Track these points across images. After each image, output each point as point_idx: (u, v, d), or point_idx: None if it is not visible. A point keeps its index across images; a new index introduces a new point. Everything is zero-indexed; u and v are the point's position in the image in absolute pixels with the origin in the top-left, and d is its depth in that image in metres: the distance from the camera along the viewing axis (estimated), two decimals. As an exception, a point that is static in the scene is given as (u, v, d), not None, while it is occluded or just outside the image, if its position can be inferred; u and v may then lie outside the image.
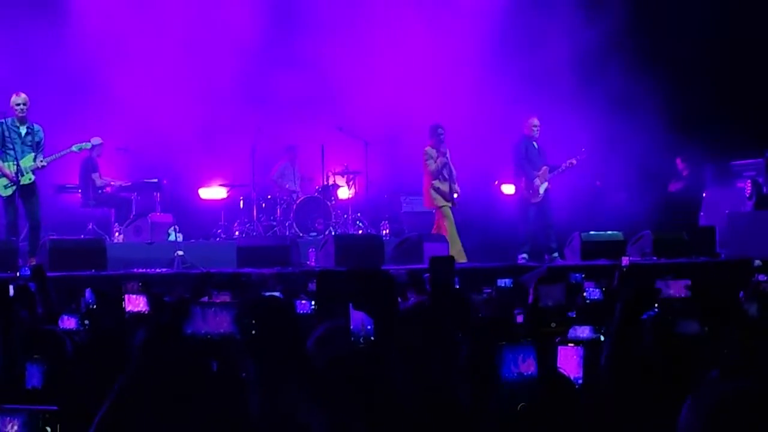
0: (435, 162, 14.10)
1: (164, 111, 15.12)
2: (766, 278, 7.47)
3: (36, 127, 12.12)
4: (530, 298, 6.23)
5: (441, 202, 14.15)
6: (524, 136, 14.51)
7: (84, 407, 3.29)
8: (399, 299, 5.72)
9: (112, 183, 14.94)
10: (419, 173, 14.43)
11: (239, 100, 16.19)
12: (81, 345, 4.68)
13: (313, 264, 13.11)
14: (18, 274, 9.12)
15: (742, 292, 6.29)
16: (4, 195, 11.90)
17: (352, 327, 3.98)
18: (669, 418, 2.76)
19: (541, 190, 14.33)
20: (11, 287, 6.21)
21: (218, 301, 5.78)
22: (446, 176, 14.14)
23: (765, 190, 15.21)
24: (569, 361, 3.76)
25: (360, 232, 15.50)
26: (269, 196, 15.86)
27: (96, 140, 13.73)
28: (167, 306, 5.54)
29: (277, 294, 6.27)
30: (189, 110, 15.47)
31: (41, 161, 12.00)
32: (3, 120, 11.93)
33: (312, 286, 7.28)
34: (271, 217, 15.67)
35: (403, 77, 16.40)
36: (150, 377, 3.08)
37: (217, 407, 3.02)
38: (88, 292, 6.39)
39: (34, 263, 10.51)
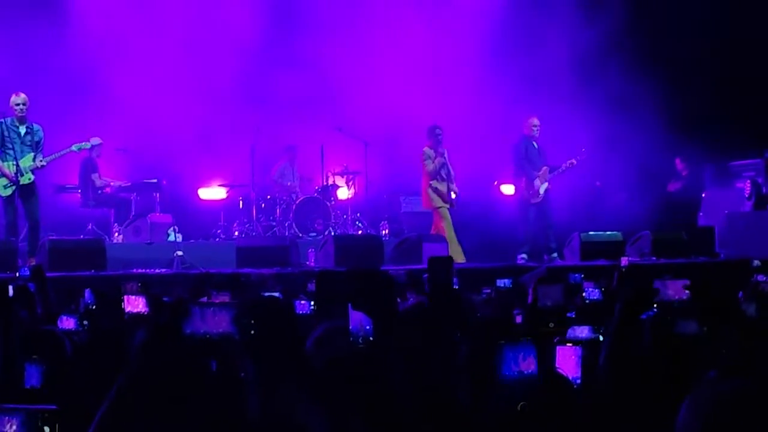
0: (433, 162, 14.13)
1: (164, 111, 15.12)
2: (765, 278, 7.47)
3: (35, 126, 12.12)
4: (529, 299, 6.24)
5: (439, 202, 14.17)
6: (524, 136, 14.52)
7: (83, 407, 3.29)
8: (398, 300, 5.72)
9: (111, 183, 14.94)
10: (418, 174, 14.45)
11: (239, 101, 16.19)
12: (80, 345, 4.68)
13: (312, 264, 13.12)
14: (17, 274, 9.13)
15: (741, 293, 6.29)
16: (3, 195, 11.90)
17: (351, 327, 3.98)
18: (667, 418, 2.76)
19: (541, 191, 14.33)
20: (10, 287, 6.22)
21: (217, 301, 5.79)
22: (444, 177, 14.18)
23: (764, 190, 15.22)
24: (567, 361, 3.76)
25: (359, 232, 15.50)
26: (269, 197, 15.85)
27: (95, 140, 13.73)
28: (166, 306, 5.54)
29: (276, 294, 6.27)
30: (188, 111, 15.47)
31: (41, 161, 12.00)
32: (2, 120, 11.93)
33: (311, 286, 7.29)
34: (271, 218, 15.67)
35: (402, 77, 16.40)
36: (149, 377, 3.09)
37: (215, 407, 3.03)
38: (87, 293, 6.40)
39: (33, 263, 10.51)
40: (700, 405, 2.54)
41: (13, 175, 11.77)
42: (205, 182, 16.44)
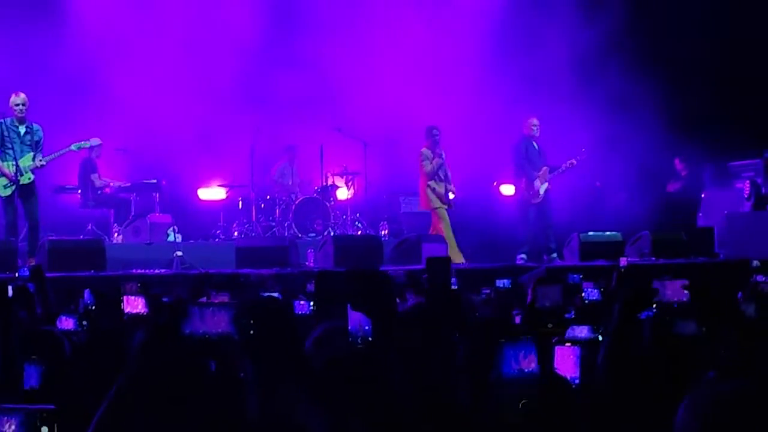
0: (431, 163, 14.15)
1: (163, 112, 15.12)
2: (764, 279, 7.48)
3: (35, 126, 12.13)
4: (528, 299, 6.24)
5: (437, 203, 14.20)
6: (524, 137, 14.52)
7: (82, 408, 3.29)
8: (397, 300, 5.72)
9: (111, 184, 14.94)
10: (417, 174, 14.47)
11: (238, 101, 16.18)
12: (79, 345, 4.68)
13: (311, 265, 13.11)
14: (17, 274, 9.13)
15: (740, 293, 6.30)
16: (3, 195, 11.90)
17: (350, 328, 3.99)
18: (666, 418, 2.76)
19: (542, 191, 14.33)
20: (10, 288, 6.21)
21: (216, 301, 5.79)
22: (442, 178, 14.22)
23: (763, 190, 15.22)
24: (566, 361, 3.76)
25: (359, 232, 15.50)
26: (268, 197, 15.85)
27: (95, 141, 13.72)
28: (165, 307, 5.55)
29: (275, 295, 6.28)
30: (188, 111, 15.47)
31: (40, 160, 12.00)
32: (2, 120, 11.93)
33: (310, 286, 7.29)
34: (270, 218, 15.67)
35: (402, 78, 16.39)
36: (148, 377, 3.09)
37: (214, 407, 3.03)
38: (86, 293, 6.40)
39: (33, 264, 10.51)
40: (699, 405, 2.54)
41: (13, 174, 11.77)
42: (204, 182, 16.43)
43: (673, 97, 16.35)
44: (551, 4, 17.29)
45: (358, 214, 15.91)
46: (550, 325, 5.22)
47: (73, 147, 12.56)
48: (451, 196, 14.30)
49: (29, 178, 11.94)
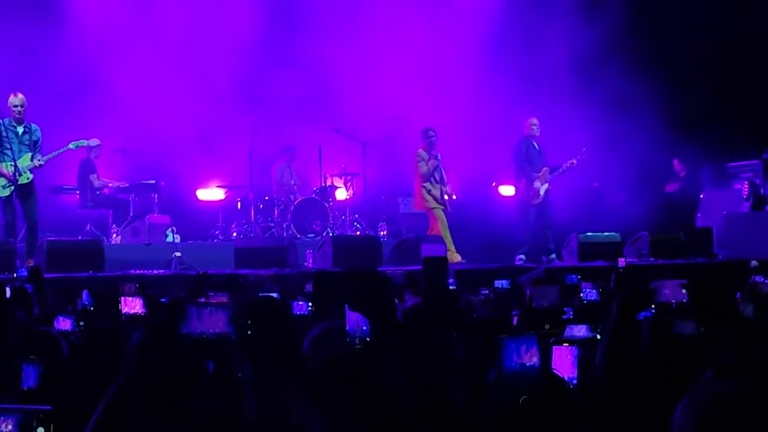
0: (426, 165, 14.17)
1: (162, 112, 15.12)
2: (762, 279, 7.49)
3: (33, 126, 12.13)
4: (527, 300, 6.25)
5: (432, 203, 14.22)
6: (524, 137, 14.51)
7: (80, 408, 3.29)
8: (396, 300, 5.72)
9: (109, 184, 14.94)
10: (413, 175, 14.49)
11: (237, 102, 16.18)
12: (77, 346, 4.68)
13: (310, 265, 13.11)
14: (15, 275, 9.14)
15: (738, 293, 6.30)
16: (2, 195, 11.90)
17: (348, 328, 3.98)
18: (664, 418, 2.76)
19: (542, 192, 14.33)
20: (8, 288, 6.22)
21: (214, 301, 5.79)
22: (437, 179, 14.22)
23: (762, 191, 15.21)
24: (564, 361, 3.76)
25: (357, 233, 15.49)
26: (267, 198, 15.84)
27: (94, 141, 13.72)
28: (163, 307, 5.55)
29: (274, 295, 6.28)
30: (187, 111, 15.46)
31: (39, 160, 12.00)
32: (0, 120, 11.93)
33: (309, 287, 7.28)
34: (269, 219, 15.66)
35: (401, 78, 16.39)
36: (146, 378, 3.08)
37: (212, 408, 3.02)
38: (85, 294, 6.40)
39: (31, 264, 10.50)
40: (697, 405, 2.54)
41: (12, 175, 11.77)
42: (203, 183, 16.44)
43: (672, 98, 16.35)
44: (551, 4, 17.29)
45: (356, 215, 15.90)
46: (547, 326, 5.22)
47: (71, 146, 12.56)
48: (447, 197, 14.30)
49: (28, 179, 11.94)
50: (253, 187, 15.75)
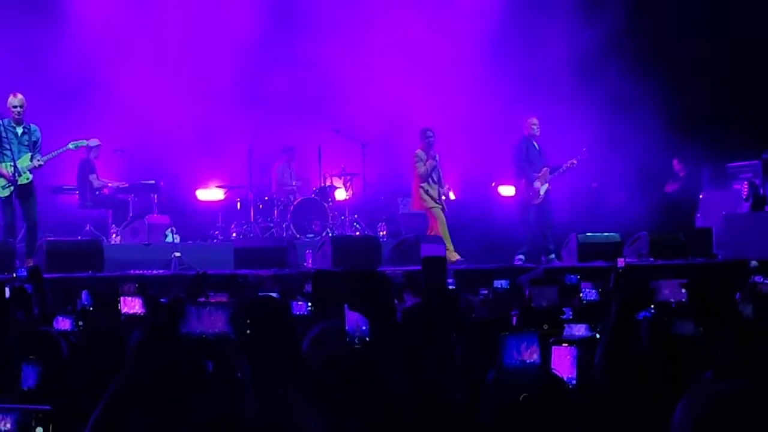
0: (424, 165, 14.18)
1: (161, 112, 15.11)
2: (762, 279, 7.49)
3: (32, 127, 12.13)
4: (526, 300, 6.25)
5: (430, 203, 14.24)
6: (524, 137, 14.51)
7: (79, 408, 3.29)
8: (395, 300, 5.72)
9: (109, 184, 14.94)
10: (411, 175, 14.51)
11: (236, 102, 16.18)
12: (77, 346, 4.68)
13: (310, 266, 13.11)
14: (15, 275, 9.14)
15: (738, 294, 6.30)
16: (1, 196, 11.90)
17: (347, 328, 3.98)
18: (663, 418, 2.76)
19: (542, 192, 14.33)
20: (7, 288, 6.22)
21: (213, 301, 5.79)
22: (435, 180, 14.24)
23: (761, 191, 15.21)
24: (563, 362, 3.76)
25: (357, 233, 15.49)
26: (266, 198, 15.84)
27: (93, 142, 13.72)
28: (162, 307, 5.55)
29: (273, 295, 6.27)
30: (186, 112, 15.46)
31: (38, 160, 12.00)
32: (0, 121, 11.94)
33: (308, 287, 7.28)
34: (268, 219, 15.65)
35: (401, 78, 16.39)
36: (145, 377, 3.08)
37: (211, 408, 3.02)
38: (84, 294, 6.40)
39: (30, 264, 10.50)
40: (696, 406, 2.54)
41: (11, 175, 11.77)
42: (202, 183, 16.44)
43: (672, 98, 16.35)
44: (551, 4, 17.29)
45: (356, 215, 15.90)
46: (545, 326, 5.22)
47: (70, 146, 12.56)
48: (452, 197, 14.30)
49: (27, 179, 11.94)
50: (252, 188, 15.75)
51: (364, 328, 3.93)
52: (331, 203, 15.75)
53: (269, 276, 10.29)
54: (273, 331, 3.61)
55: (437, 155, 14.26)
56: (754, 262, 11.69)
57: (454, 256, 13.73)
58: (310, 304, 6.00)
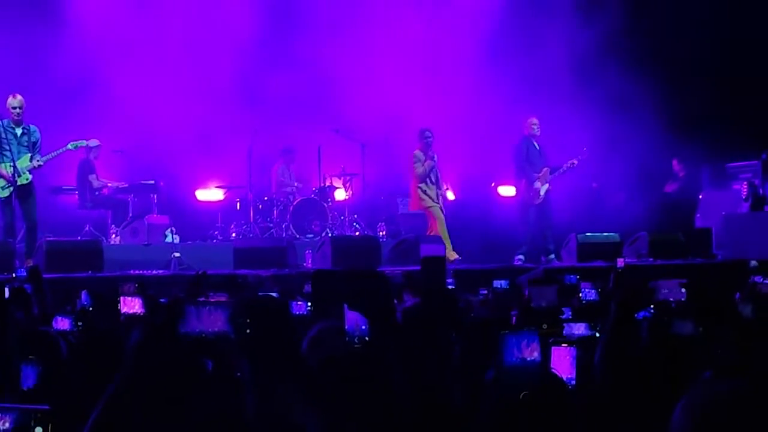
0: (422, 165, 14.19)
1: (161, 113, 15.11)
2: (761, 279, 7.49)
3: (32, 127, 12.13)
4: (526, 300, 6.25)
5: (429, 202, 14.26)
6: (525, 137, 14.52)
7: (79, 408, 3.29)
8: (395, 300, 5.72)
9: (109, 185, 14.93)
10: (409, 176, 14.52)
11: (236, 102, 16.18)
12: (76, 346, 4.68)
13: (309, 266, 13.10)
14: (14, 275, 9.14)
15: (738, 294, 6.30)
16: (1, 196, 11.90)
17: (347, 327, 3.98)
18: (663, 418, 2.76)
19: (542, 192, 14.33)
20: (7, 289, 6.22)
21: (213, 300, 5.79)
22: (433, 180, 14.25)
23: (761, 191, 15.21)
24: (562, 362, 3.76)
25: (357, 233, 15.49)
26: (266, 198, 15.84)
27: (93, 142, 13.72)
28: (162, 307, 5.54)
29: (273, 295, 6.27)
30: (186, 112, 15.46)
31: (38, 161, 12.00)
32: (-1, 121, 11.95)
33: (308, 287, 7.28)
34: (268, 219, 15.65)
35: (401, 78, 16.39)
36: (145, 377, 3.08)
37: (211, 407, 3.02)
38: (84, 294, 6.40)
39: (30, 264, 10.49)
40: (696, 405, 2.53)
41: (11, 176, 11.77)
42: (202, 184, 16.43)
43: (672, 98, 16.36)
44: (551, 4, 17.29)
45: (355, 215, 15.90)
46: (545, 326, 5.22)
47: (69, 146, 12.56)
48: (451, 197, 14.31)
49: (27, 179, 11.94)
50: (252, 188, 15.75)
51: (363, 327, 3.93)
52: (330, 203, 15.74)
53: (269, 276, 10.29)
54: (273, 331, 3.60)
55: (435, 156, 14.28)
56: (753, 262, 11.70)
57: (452, 255, 13.75)
58: (309, 304, 6.00)
